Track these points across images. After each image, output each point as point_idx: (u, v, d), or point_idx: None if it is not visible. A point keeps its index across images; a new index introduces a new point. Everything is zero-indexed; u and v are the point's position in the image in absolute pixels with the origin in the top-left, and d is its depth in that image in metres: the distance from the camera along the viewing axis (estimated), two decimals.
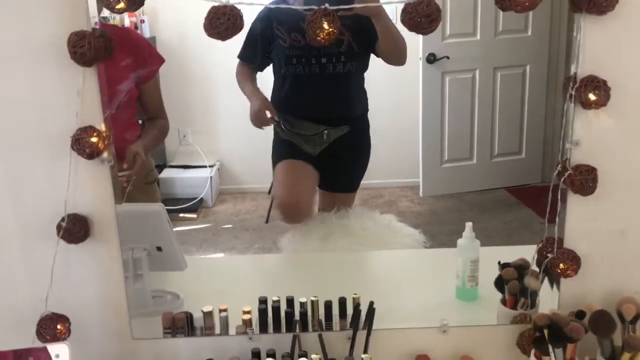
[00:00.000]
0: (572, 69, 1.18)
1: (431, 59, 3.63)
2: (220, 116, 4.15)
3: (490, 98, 3.84)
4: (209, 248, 3.32)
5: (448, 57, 3.64)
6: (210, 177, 3.95)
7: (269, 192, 3.75)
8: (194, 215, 3.75)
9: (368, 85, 2.35)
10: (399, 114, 3.88)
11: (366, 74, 2.30)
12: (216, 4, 1.03)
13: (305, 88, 2.19)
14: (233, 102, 4.05)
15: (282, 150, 2.35)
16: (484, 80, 3.81)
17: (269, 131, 2.45)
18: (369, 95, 2.36)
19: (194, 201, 3.84)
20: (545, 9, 1.12)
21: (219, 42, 1.05)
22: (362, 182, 2.51)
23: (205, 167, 4.01)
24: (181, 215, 3.65)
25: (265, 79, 2.41)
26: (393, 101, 3.78)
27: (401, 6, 1.06)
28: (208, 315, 1.34)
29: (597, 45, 1.15)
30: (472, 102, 3.86)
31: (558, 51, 3.57)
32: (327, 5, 1.05)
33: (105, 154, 1.15)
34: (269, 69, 2.29)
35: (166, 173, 3.66)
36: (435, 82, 3.76)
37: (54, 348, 1.00)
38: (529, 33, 3.68)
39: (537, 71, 3.77)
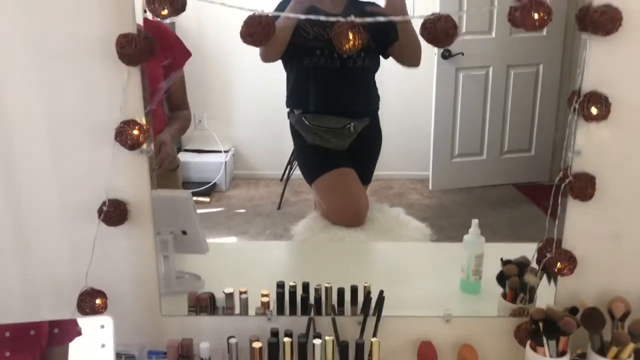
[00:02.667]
0: (577, 83, 1.26)
1: (446, 54, 3.68)
2: (237, 102, 4.20)
3: (503, 95, 3.88)
4: (221, 231, 3.41)
5: (463, 54, 3.70)
6: (225, 162, 4.03)
7: (281, 179, 3.83)
8: (207, 199, 3.84)
9: (383, 77, 2.38)
10: (412, 107, 3.92)
11: (382, 68, 2.34)
12: (251, 13, 1.12)
13: (329, 81, 2.23)
14: (250, 88, 4.10)
15: (317, 164, 2.36)
16: (497, 78, 3.85)
17: (284, 118, 2.45)
18: (382, 88, 2.40)
19: (208, 185, 3.93)
20: (562, 10, 1.21)
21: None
22: (374, 173, 2.56)
23: (220, 152, 4.09)
24: (194, 198, 3.74)
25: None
26: (407, 95, 3.82)
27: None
28: (229, 296, 1.45)
29: (600, 63, 1.22)
30: (484, 99, 3.89)
31: (572, 53, 3.61)
32: (352, 17, 1.12)
33: (144, 145, 1.24)
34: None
35: (181, 157, 3.73)
36: (449, 77, 3.80)
37: (99, 319, 1.10)
38: (544, 33, 3.73)
39: (550, 71, 3.80)
